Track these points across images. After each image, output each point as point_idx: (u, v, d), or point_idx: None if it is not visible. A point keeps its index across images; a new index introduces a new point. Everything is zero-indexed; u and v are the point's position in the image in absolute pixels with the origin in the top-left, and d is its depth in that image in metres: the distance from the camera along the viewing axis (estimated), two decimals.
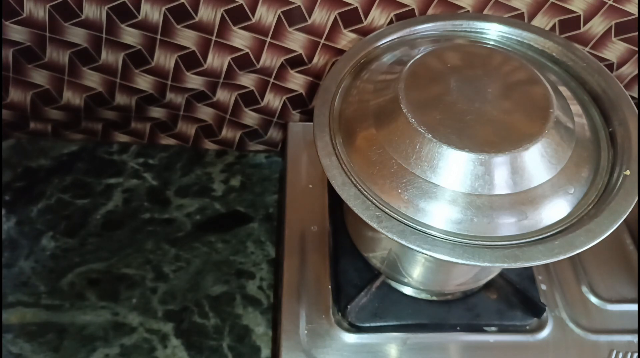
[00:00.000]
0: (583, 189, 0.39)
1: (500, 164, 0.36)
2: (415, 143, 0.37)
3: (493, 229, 0.36)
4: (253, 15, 0.56)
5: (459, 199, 0.36)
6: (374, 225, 0.36)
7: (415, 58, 0.42)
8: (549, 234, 0.37)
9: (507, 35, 0.49)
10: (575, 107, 0.42)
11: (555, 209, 0.38)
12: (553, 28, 0.57)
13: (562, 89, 0.44)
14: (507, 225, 0.37)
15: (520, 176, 0.37)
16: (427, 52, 0.43)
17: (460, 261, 0.34)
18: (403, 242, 0.35)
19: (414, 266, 0.48)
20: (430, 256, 0.35)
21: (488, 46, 0.49)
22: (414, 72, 0.41)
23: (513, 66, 0.43)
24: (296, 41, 0.59)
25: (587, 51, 0.59)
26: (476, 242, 0.36)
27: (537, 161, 0.37)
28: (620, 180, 0.39)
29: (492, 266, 0.36)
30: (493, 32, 0.49)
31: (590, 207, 0.38)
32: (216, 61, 0.61)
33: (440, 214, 0.37)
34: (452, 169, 0.37)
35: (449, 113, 0.38)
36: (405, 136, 0.38)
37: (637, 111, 0.43)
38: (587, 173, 0.39)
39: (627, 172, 0.39)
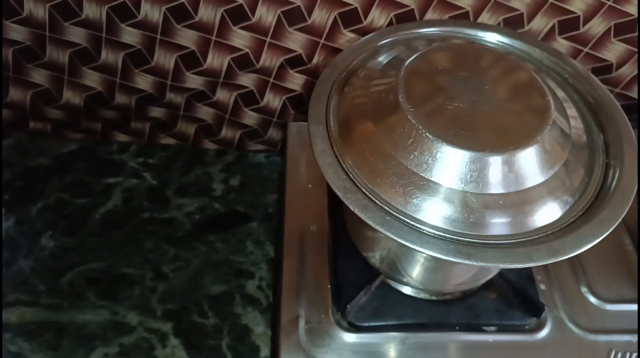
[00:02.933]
0: (578, 191, 0.39)
1: (496, 163, 0.36)
2: (413, 140, 0.37)
3: (487, 228, 0.36)
4: (253, 15, 0.57)
5: (456, 198, 0.36)
6: (377, 227, 0.36)
7: (414, 56, 0.42)
8: (542, 235, 0.37)
9: (503, 44, 0.50)
10: (572, 111, 0.42)
11: (549, 211, 0.38)
12: (552, 28, 0.57)
13: (560, 92, 0.44)
14: (501, 225, 0.37)
15: (516, 177, 0.37)
16: (426, 50, 0.43)
17: (459, 260, 0.34)
18: (402, 241, 0.35)
19: (413, 265, 0.48)
20: (427, 254, 0.35)
21: (488, 46, 0.49)
22: (412, 70, 0.41)
23: (512, 67, 0.43)
24: (296, 41, 0.59)
25: (587, 52, 0.59)
26: (472, 240, 0.36)
27: (532, 162, 0.37)
28: (614, 184, 0.39)
29: (490, 266, 0.36)
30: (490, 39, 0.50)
31: (586, 209, 0.38)
32: (216, 60, 0.61)
33: (437, 212, 0.37)
34: (449, 167, 0.37)
35: (447, 112, 0.38)
36: (403, 133, 0.38)
37: (625, 116, 0.43)
38: (581, 177, 0.39)
39: None
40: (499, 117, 0.39)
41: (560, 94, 0.44)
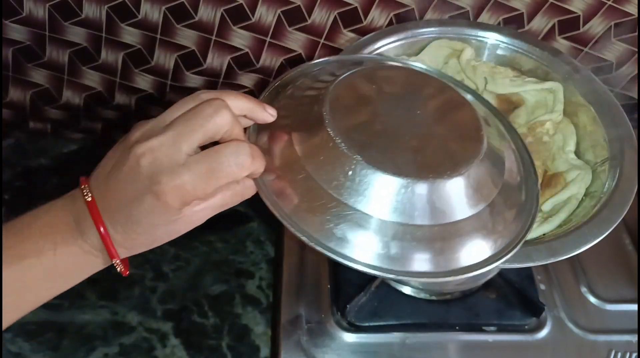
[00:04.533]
0: (508, 229, 0.36)
1: (423, 192, 0.33)
2: (340, 165, 0.33)
3: (409, 261, 0.34)
4: (253, 15, 0.57)
5: (384, 228, 0.33)
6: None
7: (340, 78, 0.38)
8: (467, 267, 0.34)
9: (504, 44, 0.48)
10: (507, 145, 0.40)
11: (476, 248, 0.34)
12: (552, 28, 0.57)
13: (494, 121, 0.41)
14: (425, 260, 0.34)
15: (443, 207, 0.34)
16: (354, 72, 0.39)
17: None
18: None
19: None
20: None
21: (424, 72, 0.45)
22: (340, 92, 0.37)
23: (446, 95, 0.39)
24: (296, 41, 0.59)
25: (587, 51, 0.59)
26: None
27: (458, 193, 0.34)
28: (614, 184, 0.38)
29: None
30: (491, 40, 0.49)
31: (517, 247, 0.35)
32: (216, 60, 0.61)
33: (366, 245, 0.33)
34: (378, 194, 0.33)
35: (375, 136, 0.35)
36: (329, 158, 0.34)
37: (626, 116, 0.43)
38: (511, 218, 0.36)
39: None
40: (430, 145, 0.35)
41: (496, 123, 0.41)
